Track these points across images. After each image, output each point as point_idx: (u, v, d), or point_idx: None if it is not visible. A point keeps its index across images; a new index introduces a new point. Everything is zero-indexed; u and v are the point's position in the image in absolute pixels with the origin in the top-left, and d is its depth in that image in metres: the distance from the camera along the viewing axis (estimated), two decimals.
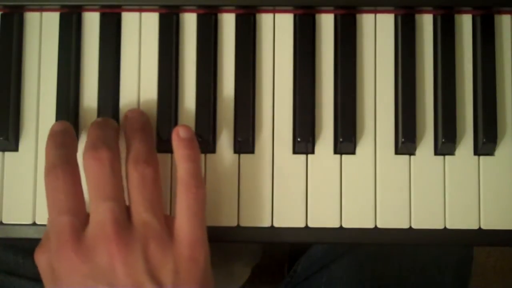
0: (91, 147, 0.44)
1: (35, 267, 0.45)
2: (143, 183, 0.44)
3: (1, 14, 0.50)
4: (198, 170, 0.45)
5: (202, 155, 0.49)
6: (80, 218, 0.43)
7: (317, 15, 0.50)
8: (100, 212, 0.42)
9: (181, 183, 0.45)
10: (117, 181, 0.44)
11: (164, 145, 0.48)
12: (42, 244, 0.45)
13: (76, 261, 0.42)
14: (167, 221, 0.44)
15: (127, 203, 0.45)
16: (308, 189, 0.49)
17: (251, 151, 0.49)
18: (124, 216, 0.43)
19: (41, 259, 0.44)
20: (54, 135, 0.46)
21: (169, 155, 0.49)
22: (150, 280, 0.41)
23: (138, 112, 0.48)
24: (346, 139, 0.48)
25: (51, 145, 0.45)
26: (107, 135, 0.46)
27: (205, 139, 0.48)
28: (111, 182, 0.43)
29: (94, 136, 0.45)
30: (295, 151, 0.49)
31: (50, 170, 0.44)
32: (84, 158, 0.44)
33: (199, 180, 0.45)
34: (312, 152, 0.49)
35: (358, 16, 0.50)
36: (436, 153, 0.49)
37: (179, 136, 0.46)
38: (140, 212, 0.43)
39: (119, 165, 0.44)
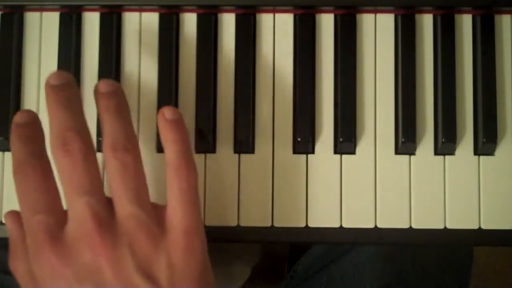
0: (59, 139, 0.39)
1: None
2: (124, 172, 0.39)
3: (1, 14, 0.50)
4: (188, 151, 0.41)
5: (202, 155, 0.49)
6: (56, 217, 0.39)
7: (317, 15, 0.50)
8: (77, 209, 0.38)
9: (171, 166, 0.40)
10: (93, 173, 0.39)
11: None
12: (12, 251, 0.41)
13: (57, 265, 0.38)
14: (157, 211, 0.40)
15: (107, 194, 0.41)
16: (308, 189, 0.49)
17: (251, 151, 0.49)
18: (105, 210, 0.39)
19: (17, 267, 0.41)
20: (18, 129, 0.41)
21: None
22: (142, 277, 0.37)
23: (111, 86, 0.43)
24: (346, 139, 0.48)
25: (16, 140, 0.41)
26: (74, 119, 0.40)
27: (205, 139, 0.48)
28: (86, 175, 0.39)
29: (60, 122, 0.40)
30: (295, 151, 0.49)
31: (17, 167, 0.40)
32: (52, 152, 0.40)
33: (190, 161, 0.41)
34: (312, 152, 0.49)
35: (358, 16, 0.50)
36: (436, 153, 0.49)
37: (165, 118, 0.42)
38: (125, 205, 0.39)
39: (94, 155, 0.40)
